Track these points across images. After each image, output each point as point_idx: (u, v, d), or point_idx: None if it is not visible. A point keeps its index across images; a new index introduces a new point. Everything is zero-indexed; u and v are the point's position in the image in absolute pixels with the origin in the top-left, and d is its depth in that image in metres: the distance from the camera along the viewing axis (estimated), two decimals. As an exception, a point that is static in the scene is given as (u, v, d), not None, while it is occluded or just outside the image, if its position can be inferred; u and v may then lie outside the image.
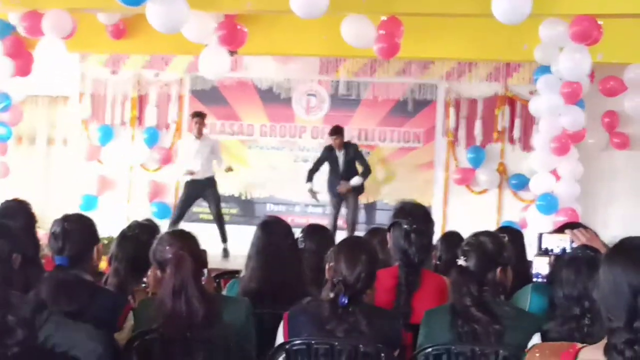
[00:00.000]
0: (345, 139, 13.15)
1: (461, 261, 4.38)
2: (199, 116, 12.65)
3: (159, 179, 14.24)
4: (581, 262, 4.16)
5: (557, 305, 4.16)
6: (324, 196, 13.20)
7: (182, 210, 12.61)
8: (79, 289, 4.36)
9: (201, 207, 13.74)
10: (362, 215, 13.51)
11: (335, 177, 12.97)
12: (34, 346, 3.42)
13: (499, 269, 4.38)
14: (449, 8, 9.59)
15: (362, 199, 13.34)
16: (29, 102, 13.93)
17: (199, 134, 12.60)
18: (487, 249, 4.41)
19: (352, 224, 12.81)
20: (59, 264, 4.46)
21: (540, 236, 4.89)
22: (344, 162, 12.91)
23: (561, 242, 4.78)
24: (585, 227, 4.77)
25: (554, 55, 10.69)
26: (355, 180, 12.81)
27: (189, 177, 12.45)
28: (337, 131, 12.94)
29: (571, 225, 4.89)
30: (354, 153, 12.99)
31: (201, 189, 12.57)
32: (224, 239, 12.42)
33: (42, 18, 10.53)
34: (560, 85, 11.35)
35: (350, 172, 12.92)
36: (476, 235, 4.52)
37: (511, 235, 5.17)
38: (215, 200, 12.63)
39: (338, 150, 12.94)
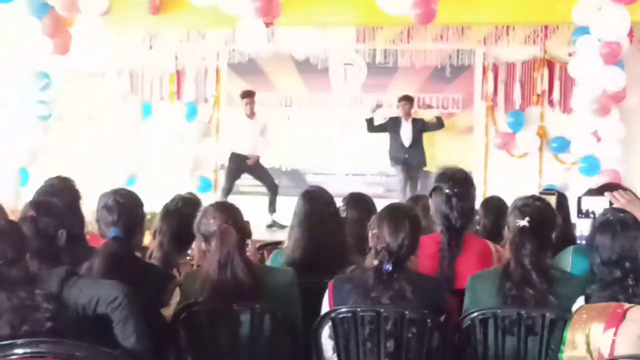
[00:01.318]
0: (385, 106, 13.16)
1: (523, 222, 4.35)
2: (249, 96, 12.74)
3: (199, 152, 14.28)
4: (614, 224, 4.14)
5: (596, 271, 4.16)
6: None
7: (231, 182, 12.70)
8: (130, 264, 4.42)
9: (241, 180, 13.79)
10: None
11: (401, 148, 13.03)
12: (65, 317, 3.50)
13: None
14: (485, -28, 9.55)
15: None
16: (69, 79, 13.98)
17: (252, 114, 12.70)
18: (545, 211, 4.41)
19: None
20: (113, 235, 4.50)
21: (579, 199, 4.87)
22: (413, 133, 12.96)
23: (601, 204, 4.76)
24: (624, 189, 4.74)
25: (592, 15, 10.60)
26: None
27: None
28: (406, 97, 13.02)
29: (610, 187, 4.86)
30: (422, 125, 13.08)
31: (247, 165, 12.67)
32: (273, 209, 12.47)
33: (77, -4, 10.61)
34: (600, 46, 11.26)
35: (417, 144, 13.00)
36: (530, 197, 4.52)
37: (556, 197, 5.16)
38: (265, 172, 12.82)
39: (405, 119, 12.98)
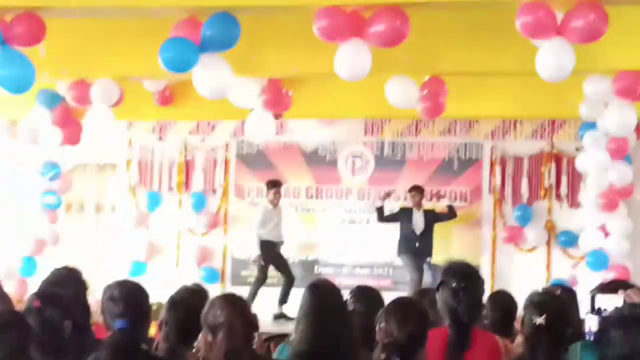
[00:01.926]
0: (392, 199, 13.21)
1: (540, 319, 4.33)
2: (278, 186, 12.87)
3: (206, 243, 14.28)
4: (630, 321, 4.12)
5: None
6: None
7: (265, 272, 12.74)
8: (137, 357, 4.38)
9: (249, 271, 13.80)
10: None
11: (413, 236, 12.96)
12: None
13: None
14: (492, 66, 9.62)
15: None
16: (78, 170, 14.08)
17: (277, 203, 12.84)
18: (562, 308, 4.40)
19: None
20: (119, 327, 4.49)
21: (593, 296, 4.86)
22: (425, 223, 12.96)
23: (615, 302, 4.75)
24: (635, 286, 4.74)
25: (599, 111, 10.67)
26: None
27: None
28: (416, 188, 13.06)
29: (623, 285, 4.86)
30: (433, 217, 13.06)
31: (276, 252, 12.76)
32: (285, 301, 12.42)
33: (90, 87, 10.71)
34: (607, 141, 11.34)
35: (427, 235, 12.94)
36: (547, 293, 4.51)
37: (564, 293, 5.15)
38: (287, 262, 12.92)
39: (417, 210, 13.00)
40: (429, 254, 12.88)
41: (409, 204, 13.14)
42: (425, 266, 12.70)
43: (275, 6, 7.61)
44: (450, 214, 13.14)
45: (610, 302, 4.80)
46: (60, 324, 4.17)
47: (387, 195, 13.20)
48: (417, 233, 12.91)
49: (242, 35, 7.82)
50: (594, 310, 4.83)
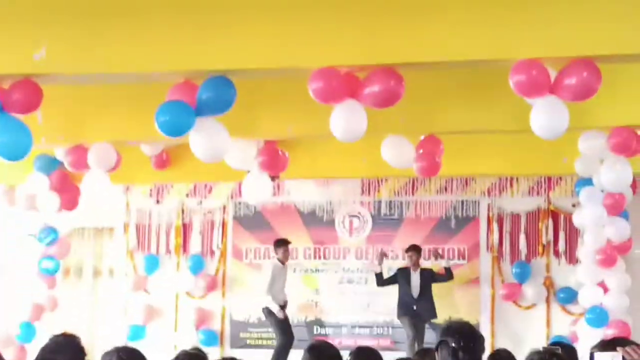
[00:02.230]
0: (390, 258, 13.22)
1: None
2: (287, 244, 13.00)
3: (205, 306, 14.24)
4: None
5: None
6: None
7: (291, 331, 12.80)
8: None
9: (247, 333, 13.77)
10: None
11: (410, 299, 12.91)
12: None
13: None
14: (487, 125, 9.68)
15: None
16: (76, 234, 14.10)
17: (286, 260, 12.93)
18: None
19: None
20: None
21: (591, 355, 4.83)
22: (421, 282, 12.91)
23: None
24: (637, 345, 4.72)
25: (594, 167, 10.71)
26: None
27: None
28: (414, 248, 13.04)
29: (621, 342, 4.83)
30: (431, 276, 13.04)
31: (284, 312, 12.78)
32: None
33: (87, 152, 10.74)
34: (603, 196, 11.36)
35: (427, 294, 12.90)
36: (546, 352, 4.50)
37: (565, 351, 5.13)
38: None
39: (413, 270, 12.97)
40: (431, 316, 12.82)
41: (407, 263, 13.13)
42: (429, 327, 12.63)
43: (270, 69, 7.64)
44: (448, 275, 13.10)
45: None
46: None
47: (383, 256, 13.19)
48: (414, 296, 12.89)
49: (238, 97, 7.85)
50: (595, 370, 4.78)
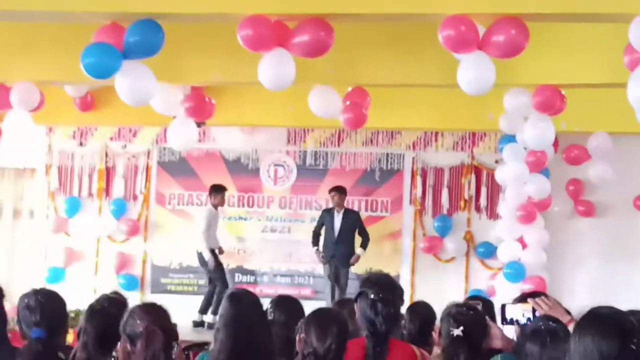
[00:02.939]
0: (313, 208, 13.26)
1: (457, 331, 4.40)
2: (224, 190, 13.27)
3: (126, 250, 14.17)
4: (544, 334, 4.18)
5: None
6: (315, 269, 13.35)
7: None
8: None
9: (168, 279, 13.76)
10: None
11: (331, 243, 12.91)
12: None
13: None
14: (414, 79, 9.68)
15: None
16: (-3, 174, 13.92)
17: (221, 206, 13.24)
18: (479, 320, 4.47)
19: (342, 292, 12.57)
20: (35, 336, 4.44)
21: (503, 307, 4.91)
22: (341, 226, 12.89)
23: (525, 312, 4.81)
24: (546, 296, 4.81)
25: (518, 124, 10.81)
26: (360, 252, 12.81)
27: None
28: (336, 188, 13.02)
29: (532, 295, 4.92)
30: (354, 220, 12.96)
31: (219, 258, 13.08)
32: (213, 311, 12.43)
33: (9, 91, 10.53)
34: (525, 154, 11.50)
35: (346, 238, 12.86)
36: (464, 305, 4.57)
37: (482, 305, 5.22)
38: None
39: (337, 211, 12.97)
40: (344, 264, 12.83)
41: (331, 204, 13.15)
42: (355, 278, 12.44)
43: (200, 14, 7.57)
44: (364, 243, 13.02)
45: (520, 312, 4.84)
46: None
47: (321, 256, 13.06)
48: (334, 238, 12.90)
49: (165, 42, 7.77)
50: (505, 321, 4.86)
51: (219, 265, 12.79)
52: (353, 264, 12.76)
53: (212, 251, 12.71)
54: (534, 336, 4.20)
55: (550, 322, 4.27)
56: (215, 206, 13.05)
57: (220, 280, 12.72)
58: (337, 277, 12.75)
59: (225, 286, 12.56)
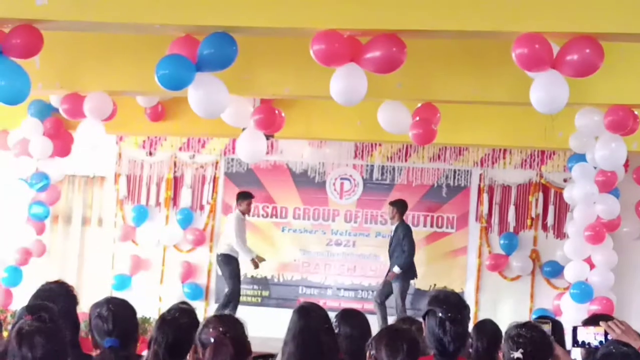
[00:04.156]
0: (379, 222, 13.29)
1: (517, 354, 4.38)
2: (252, 197, 13.36)
3: (191, 259, 14.28)
4: (616, 357, 4.14)
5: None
6: (379, 281, 13.27)
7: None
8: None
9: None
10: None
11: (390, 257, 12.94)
12: None
13: None
14: (485, 96, 9.64)
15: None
16: (67, 181, 14.08)
17: (248, 214, 13.35)
18: (540, 341, 4.43)
19: (398, 308, 12.54)
20: (109, 345, 4.50)
21: (574, 329, 4.87)
22: (391, 239, 12.93)
23: (597, 335, 4.77)
24: (619, 320, 4.76)
25: (589, 143, 10.73)
26: (396, 269, 12.70)
27: None
28: (392, 202, 13.11)
29: (602, 318, 4.87)
30: (403, 233, 12.86)
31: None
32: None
33: (83, 100, 10.68)
34: (595, 173, 11.40)
35: (394, 252, 12.82)
36: (524, 326, 4.54)
37: (552, 324, 5.18)
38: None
39: (391, 225, 13.03)
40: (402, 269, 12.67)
41: None
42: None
43: (273, 28, 7.61)
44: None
45: (593, 335, 4.80)
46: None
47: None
48: (389, 251, 12.91)
49: (238, 55, 7.83)
50: (577, 343, 4.83)
51: (237, 274, 12.92)
52: (389, 281, 12.71)
53: (252, 260, 12.83)
54: (605, 359, 4.16)
55: (622, 346, 4.23)
56: (243, 213, 13.15)
57: (236, 282, 12.86)
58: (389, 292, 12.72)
59: (238, 287, 12.76)
